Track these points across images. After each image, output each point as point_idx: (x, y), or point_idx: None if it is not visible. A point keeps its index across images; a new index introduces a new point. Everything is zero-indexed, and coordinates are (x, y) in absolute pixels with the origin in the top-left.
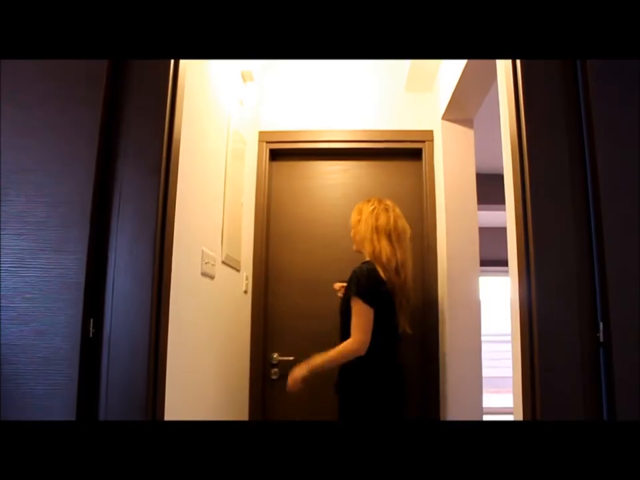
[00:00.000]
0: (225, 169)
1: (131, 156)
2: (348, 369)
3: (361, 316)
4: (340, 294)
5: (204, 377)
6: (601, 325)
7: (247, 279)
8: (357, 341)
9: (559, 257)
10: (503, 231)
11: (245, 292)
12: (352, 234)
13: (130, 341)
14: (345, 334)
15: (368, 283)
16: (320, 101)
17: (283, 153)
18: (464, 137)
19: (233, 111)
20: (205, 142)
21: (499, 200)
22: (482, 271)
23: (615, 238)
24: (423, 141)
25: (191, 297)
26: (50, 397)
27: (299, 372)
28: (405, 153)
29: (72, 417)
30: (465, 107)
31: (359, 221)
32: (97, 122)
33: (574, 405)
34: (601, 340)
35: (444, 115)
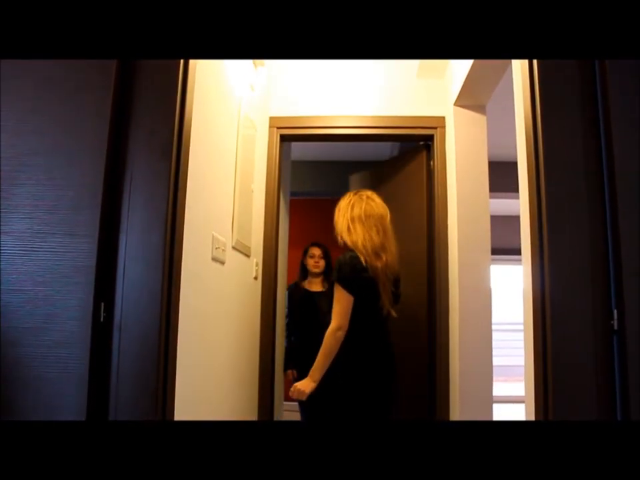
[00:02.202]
0: (236, 154)
1: (141, 139)
2: None
3: (340, 302)
4: None
5: (214, 361)
6: (615, 312)
7: (257, 265)
8: (334, 327)
9: (573, 243)
10: (514, 219)
11: (255, 278)
12: (335, 233)
13: (141, 325)
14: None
15: (349, 271)
16: (331, 86)
17: (293, 139)
18: (476, 123)
19: (244, 96)
20: (216, 127)
21: (510, 188)
22: (492, 259)
23: (630, 224)
24: (435, 127)
25: (202, 281)
26: (61, 381)
27: (307, 387)
28: (416, 140)
29: (83, 400)
30: (477, 93)
31: (339, 216)
32: (107, 105)
33: (586, 394)
34: (615, 328)
35: (456, 100)
